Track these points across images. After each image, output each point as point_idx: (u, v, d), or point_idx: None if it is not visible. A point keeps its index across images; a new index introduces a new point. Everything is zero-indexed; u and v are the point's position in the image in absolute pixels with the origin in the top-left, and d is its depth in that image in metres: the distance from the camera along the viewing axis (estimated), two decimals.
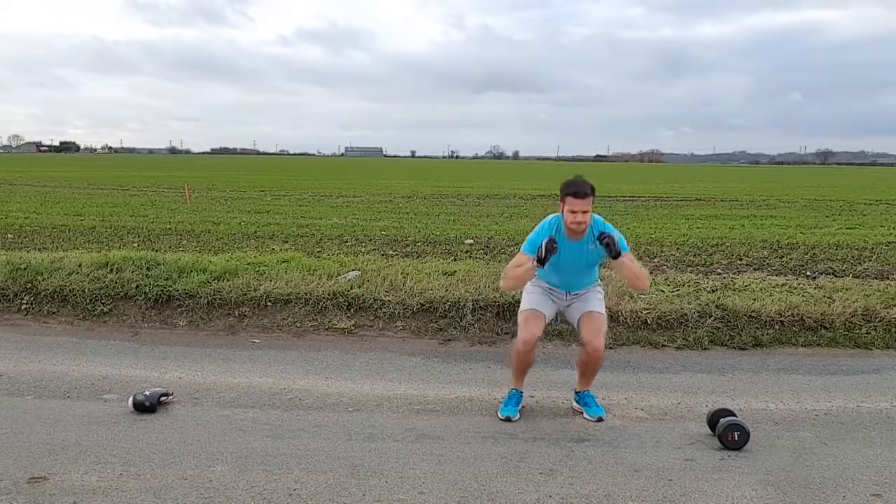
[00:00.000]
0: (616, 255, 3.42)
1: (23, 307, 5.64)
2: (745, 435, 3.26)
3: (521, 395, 3.73)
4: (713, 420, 3.40)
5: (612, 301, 5.36)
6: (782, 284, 6.08)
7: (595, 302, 3.69)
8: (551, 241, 3.40)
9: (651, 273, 6.46)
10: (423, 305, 5.37)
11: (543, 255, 3.37)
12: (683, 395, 3.97)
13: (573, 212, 3.41)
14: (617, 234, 3.49)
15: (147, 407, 3.60)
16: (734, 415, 3.39)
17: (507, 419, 3.58)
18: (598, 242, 3.46)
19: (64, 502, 2.68)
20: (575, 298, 3.72)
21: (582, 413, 3.67)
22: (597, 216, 3.53)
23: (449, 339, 5.11)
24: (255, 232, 10.41)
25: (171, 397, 3.78)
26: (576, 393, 3.77)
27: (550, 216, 3.65)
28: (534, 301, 3.70)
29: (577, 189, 3.40)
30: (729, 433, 3.26)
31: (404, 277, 5.82)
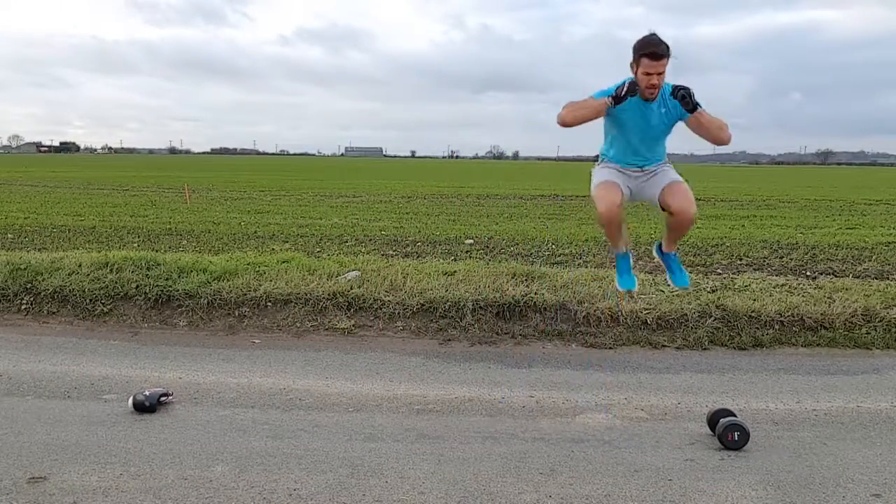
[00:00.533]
0: (693, 108, 3.21)
1: (23, 307, 5.64)
2: (745, 435, 3.26)
3: (630, 258, 3.59)
4: (713, 420, 3.40)
5: (612, 301, 5.36)
6: (782, 284, 6.08)
7: (672, 174, 3.49)
8: (634, 83, 3.17)
9: (651, 273, 6.45)
10: (423, 305, 5.37)
11: (624, 91, 3.14)
12: (683, 395, 3.97)
13: (648, 73, 3.15)
14: (685, 99, 3.26)
15: (147, 407, 3.60)
16: (734, 415, 3.39)
17: (629, 293, 3.41)
18: (671, 100, 3.24)
19: (64, 502, 2.68)
20: (647, 176, 3.51)
21: (665, 276, 3.50)
22: (667, 83, 3.26)
23: (449, 339, 5.11)
24: (255, 232, 10.41)
25: (171, 397, 3.78)
26: (659, 249, 3.63)
27: (622, 81, 3.34)
28: (607, 174, 3.49)
29: (653, 49, 3.12)
30: (729, 433, 3.26)
31: (404, 277, 5.83)
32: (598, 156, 3.71)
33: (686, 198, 3.43)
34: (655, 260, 3.60)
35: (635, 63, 3.22)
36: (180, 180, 26.45)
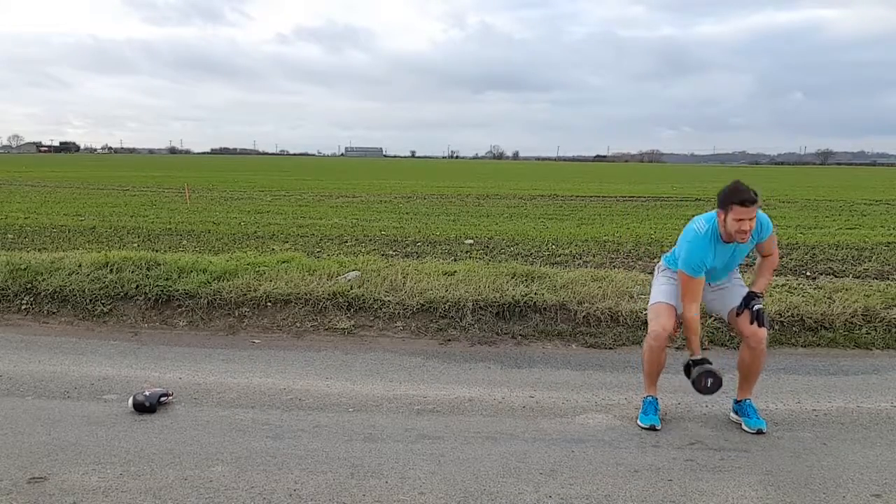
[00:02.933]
0: (760, 321, 3.43)
1: (23, 307, 5.64)
2: (717, 382, 3.37)
3: (658, 402, 3.60)
4: (687, 368, 3.50)
5: (612, 301, 5.37)
6: (782, 284, 6.08)
7: (741, 289, 3.55)
8: (708, 380, 3.38)
9: (650, 274, 6.46)
10: (423, 305, 5.37)
11: (696, 387, 3.43)
12: (683, 395, 3.96)
13: (739, 220, 3.24)
14: (767, 225, 3.43)
15: (147, 407, 3.59)
16: (710, 363, 3.46)
17: (652, 427, 3.45)
18: (756, 232, 3.37)
19: (64, 502, 2.68)
20: (714, 289, 3.59)
21: (740, 424, 3.50)
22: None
23: (449, 339, 5.11)
24: (255, 232, 10.41)
25: (171, 397, 3.78)
26: (735, 402, 3.61)
27: (701, 221, 3.44)
28: (665, 293, 3.58)
29: (744, 197, 3.21)
30: (703, 379, 3.38)
31: (404, 278, 5.82)
32: (662, 258, 3.81)
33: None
34: (733, 418, 3.62)
35: (724, 210, 3.30)
36: (180, 180, 26.45)
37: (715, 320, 5.13)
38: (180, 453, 3.13)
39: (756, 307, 3.44)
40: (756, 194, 3.25)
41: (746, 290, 3.54)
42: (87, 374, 4.26)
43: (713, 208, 3.46)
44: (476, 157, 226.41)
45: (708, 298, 3.66)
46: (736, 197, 3.23)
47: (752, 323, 3.43)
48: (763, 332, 3.45)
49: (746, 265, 4.54)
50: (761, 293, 3.52)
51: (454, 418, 3.62)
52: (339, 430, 3.43)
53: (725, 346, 4.97)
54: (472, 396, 3.95)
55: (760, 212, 3.41)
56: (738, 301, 3.50)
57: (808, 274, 7.14)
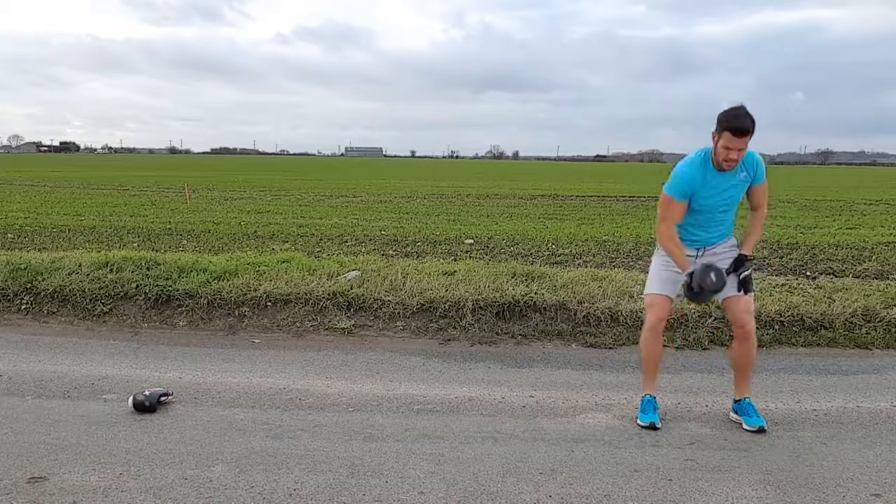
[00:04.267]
0: (746, 288, 3.39)
1: (23, 307, 5.64)
2: (720, 276, 3.27)
3: (656, 400, 3.58)
4: (687, 287, 3.38)
5: (612, 301, 5.37)
6: (782, 284, 6.08)
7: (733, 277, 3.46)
8: (714, 282, 3.26)
9: None
10: (423, 305, 5.37)
11: (696, 288, 3.28)
12: (683, 395, 3.97)
13: (728, 148, 3.15)
14: (762, 166, 3.38)
15: (147, 407, 3.59)
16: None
17: (651, 426, 3.43)
18: (752, 168, 3.32)
19: (64, 502, 2.68)
20: (710, 258, 3.48)
21: (741, 424, 3.49)
22: (750, 151, 3.28)
23: (449, 339, 5.11)
24: (255, 232, 10.41)
25: (171, 397, 3.78)
26: (734, 402, 3.60)
27: (693, 152, 3.38)
28: (660, 282, 3.53)
29: (738, 125, 3.10)
30: (705, 275, 3.26)
31: (404, 277, 5.82)
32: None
33: (749, 313, 3.46)
34: (733, 417, 3.60)
35: (717, 133, 3.22)
36: (180, 180, 26.45)
37: (715, 320, 5.13)
38: (180, 453, 3.13)
39: (743, 274, 3.40)
40: (753, 124, 3.15)
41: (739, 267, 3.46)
42: (87, 373, 4.26)
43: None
44: (476, 157, 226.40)
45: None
46: (730, 122, 3.14)
47: (739, 289, 3.40)
48: (750, 326, 3.43)
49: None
50: (751, 256, 3.48)
51: (454, 418, 3.62)
52: (339, 430, 3.43)
53: (726, 346, 4.96)
54: (472, 396, 3.95)
55: (756, 154, 3.35)
56: (730, 291, 3.44)
57: (808, 274, 7.14)
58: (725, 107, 3.21)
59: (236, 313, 5.46)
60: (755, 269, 7.06)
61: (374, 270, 6.08)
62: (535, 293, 5.45)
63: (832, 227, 11.96)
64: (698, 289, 3.32)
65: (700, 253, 3.53)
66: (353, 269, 6.12)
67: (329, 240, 9.60)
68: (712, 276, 3.29)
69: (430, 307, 5.36)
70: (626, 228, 11.48)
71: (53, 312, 5.58)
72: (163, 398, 3.71)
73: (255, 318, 5.43)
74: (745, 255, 3.46)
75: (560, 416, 3.68)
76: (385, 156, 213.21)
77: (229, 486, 2.82)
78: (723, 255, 3.52)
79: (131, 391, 3.78)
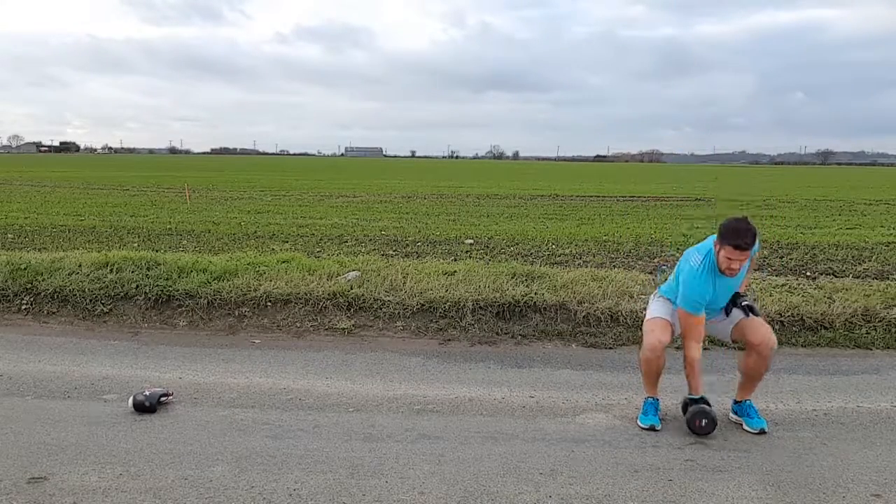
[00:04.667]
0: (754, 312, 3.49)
1: (23, 307, 5.64)
2: (711, 423, 3.38)
3: (658, 402, 3.61)
4: (685, 406, 3.52)
5: (612, 301, 5.36)
6: (782, 284, 6.08)
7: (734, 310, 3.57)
8: (704, 423, 3.39)
9: (651, 273, 6.48)
10: (423, 305, 5.37)
11: (687, 425, 3.44)
12: (684, 396, 3.96)
13: (730, 259, 3.28)
14: (755, 251, 3.48)
15: (147, 407, 3.59)
16: (708, 404, 3.46)
17: (651, 428, 3.46)
18: (736, 302, 3.48)
19: (64, 502, 2.68)
20: (714, 322, 3.60)
21: (741, 424, 3.52)
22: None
23: (449, 339, 5.11)
24: (255, 232, 10.41)
25: (171, 397, 3.78)
26: (734, 403, 3.61)
27: (696, 255, 3.45)
28: (660, 311, 3.62)
29: (740, 241, 3.22)
30: (697, 420, 3.39)
31: (404, 277, 5.82)
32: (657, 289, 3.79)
33: (766, 328, 3.51)
34: (733, 418, 3.62)
35: (720, 244, 3.32)
36: (180, 180, 26.45)
37: None
38: (180, 453, 3.13)
39: (744, 303, 3.49)
40: (754, 239, 3.26)
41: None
42: (87, 374, 4.26)
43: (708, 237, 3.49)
44: (476, 157, 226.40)
45: (708, 326, 3.61)
46: (732, 240, 3.24)
47: (746, 314, 3.48)
48: (773, 340, 3.47)
49: None
50: (744, 293, 3.58)
51: (454, 418, 3.62)
52: (339, 430, 3.43)
53: (726, 345, 4.96)
54: (472, 396, 3.95)
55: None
56: (737, 318, 3.54)
57: (808, 274, 7.14)
58: (727, 223, 3.31)
59: (236, 313, 5.46)
60: (755, 269, 7.08)
61: (374, 270, 6.08)
62: (535, 293, 5.45)
63: (832, 227, 11.96)
64: (687, 424, 3.46)
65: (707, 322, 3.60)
66: (353, 270, 6.12)
67: (329, 240, 9.60)
68: (703, 422, 3.40)
69: (430, 307, 5.36)
70: (626, 228, 11.48)
71: (53, 312, 5.58)
72: (163, 398, 3.71)
73: (255, 318, 5.43)
74: (738, 293, 3.56)
75: (560, 416, 3.68)
76: (385, 156, 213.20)
77: (229, 486, 2.82)
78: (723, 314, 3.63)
79: (131, 391, 3.78)
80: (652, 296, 3.82)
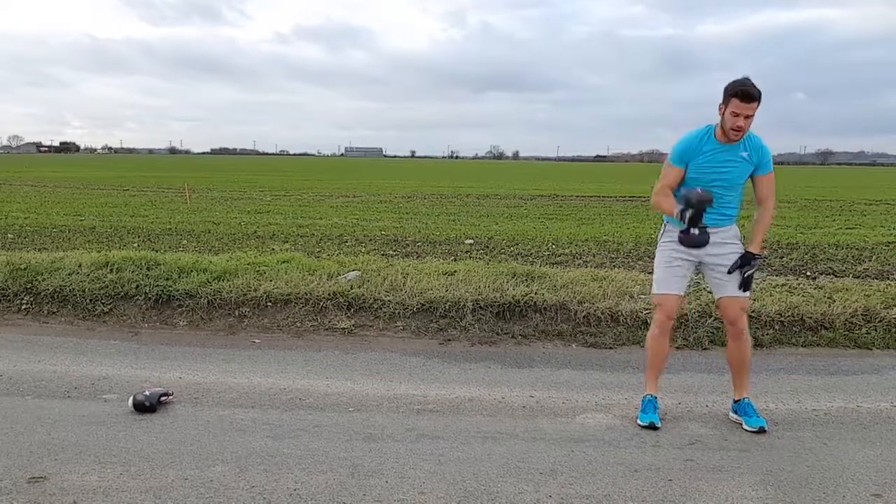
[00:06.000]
0: (746, 287, 3.44)
1: (23, 307, 5.64)
2: (706, 192, 3.26)
3: (657, 400, 3.59)
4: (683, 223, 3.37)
5: (613, 301, 5.36)
6: (782, 284, 6.08)
7: (735, 275, 3.46)
8: (704, 198, 3.22)
9: (650, 274, 6.46)
10: (423, 305, 5.37)
11: (691, 214, 3.26)
12: (683, 395, 3.97)
13: (735, 114, 3.18)
14: (767, 154, 3.41)
15: (147, 407, 3.59)
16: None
17: (651, 426, 3.43)
18: (755, 150, 3.35)
19: (64, 502, 2.68)
20: (716, 251, 3.45)
21: (741, 424, 3.49)
22: (753, 133, 3.33)
23: (449, 339, 5.11)
24: (255, 232, 10.41)
25: (171, 397, 3.78)
26: (734, 402, 3.60)
27: (702, 127, 3.41)
28: (668, 279, 3.54)
29: (746, 90, 3.14)
30: (692, 190, 3.29)
31: (404, 277, 5.82)
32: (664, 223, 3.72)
33: (739, 307, 3.48)
34: (733, 417, 3.60)
35: (724, 104, 3.26)
36: (180, 180, 26.45)
37: (715, 319, 5.13)
38: (180, 453, 3.13)
39: (748, 273, 3.41)
40: (759, 94, 3.19)
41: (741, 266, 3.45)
42: (87, 374, 4.26)
43: None
44: (476, 157, 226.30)
45: (709, 267, 3.52)
46: (737, 88, 3.17)
47: (740, 287, 3.43)
48: (742, 323, 3.45)
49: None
50: (759, 253, 3.47)
51: (454, 418, 3.62)
52: (339, 430, 3.43)
53: (725, 345, 4.96)
54: (472, 396, 3.95)
55: (763, 141, 3.38)
56: (728, 291, 3.46)
57: (808, 274, 7.14)
58: (730, 82, 3.26)
59: (236, 313, 5.46)
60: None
61: (374, 270, 6.08)
62: (536, 293, 5.45)
63: (832, 227, 11.97)
64: (687, 205, 3.28)
65: (708, 238, 3.45)
66: (353, 269, 6.12)
67: (329, 240, 9.60)
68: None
69: (430, 307, 5.36)
70: (626, 228, 11.48)
71: (53, 312, 5.58)
72: (163, 398, 3.71)
73: (255, 318, 5.43)
74: (752, 253, 3.43)
75: (560, 416, 3.68)
76: (385, 156, 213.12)
77: (229, 487, 2.82)
78: (726, 244, 3.49)
79: (131, 391, 3.78)
80: (659, 234, 3.72)
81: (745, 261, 3.42)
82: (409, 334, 5.20)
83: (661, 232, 3.72)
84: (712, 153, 3.37)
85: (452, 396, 3.94)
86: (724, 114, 3.27)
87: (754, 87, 3.19)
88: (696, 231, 3.32)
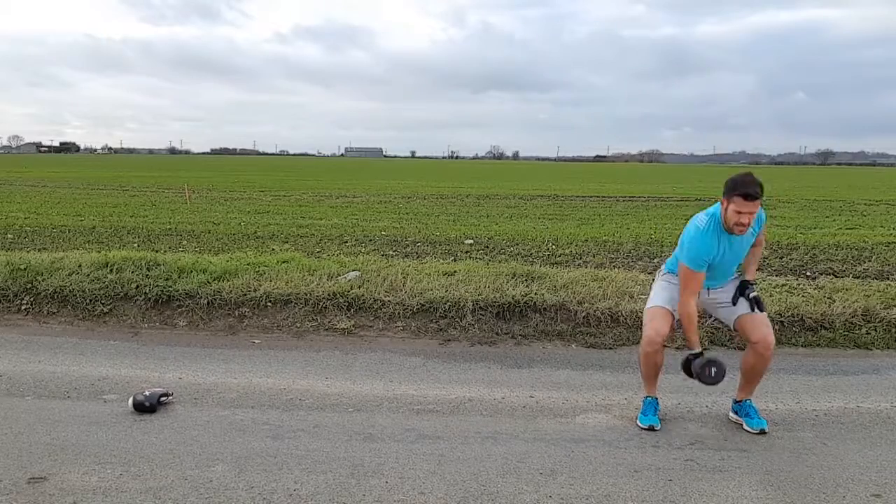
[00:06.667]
0: (759, 307, 3.46)
1: (23, 307, 5.64)
2: (721, 370, 3.31)
3: (657, 402, 3.60)
4: (687, 363, 3.44)
5: (612, 301, 5.37)
6: (782, 284, 6.08)
7: (742, 299, 3.54)
8: (713, 371, 3.32)
9: (650, 274, 6.47)
10: (423, 306, 5.37)
11: (695, 376, 3.37)
12: (683, 395, 3.97)
13: (739, 212, 3.22)
14: (763, 214, 3.45)
15: (147, 407, 3.59)
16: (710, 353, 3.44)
17: (651, 428, 3.45)
18: (756, 226, 3.39)
19: (64, 502, 2.68)
20: (718, 292, 3.56)
21: (741, 424, 3.51)
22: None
23: (449, 339, 5.11)
24: (255, 232, 10.41)
25: (171, 397, 3.78)
26: (735, 402, 3.61)
27: (702, 216, 3.43)
28: (663, 298, 3.58)
29: (747, 191, 3.19)
30: (707, 369, 3.32)
31: (404, 278, 5.82)
32: (664, 266, 3.76)
33: (767, 326, 3.48)
34: (733, 418, 3.62)
35: (727, 200, 3.28)
36: (180, 180, 26.45)
37: (715, 320, 5.13)
38: (180, 453, 3.13)
39: (752, 295, 3.48)
40: (761, 190, 3.23)
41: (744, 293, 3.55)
42: (87, 374, 4.26)
43: (715, 203, 3.47)
44: (476, 157, 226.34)
45: (713, 306, 3.65)
46: (741, 189, 3.20)
47: (752, 309, 3.46)
48: (771, 338, 3.44)
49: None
50: (753, 281, 3.56)
51: (454, 418, 3.62)
52: (339, 430, 3.43)
53: (725, 346, 4.97)
54: (472, 396, 3.95)
55: (763, 216, 3.45)
56: (742, 310, 3.50)
57: (808, 274, 7.14)
58: (732, 177, 3.29)
59: (236, 313, 5.46)
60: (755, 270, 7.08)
61: (374, 271, 6.08)
62: (535, 293, 5.45)
63: (832, 228, 11.96)
64: (696, 378, 3.41)
65: (707, 292, 3.59)
66: (353, 270, 6.12)
67: (329, 240, 9.60)
68: (713, 371, 3.35)
69: (430, 307, 5.36)
70: (626, 228, 11.48)
71: (53, 313, 5.58)
72: (163, 398, 3.71)
73: (255, 318, 5.43)
74: (748, 281, 3.54)
75: (560, 416, 3.68)
76: (385, 156, 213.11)
77: (229, 487, 2.82)
78: (728, 287, 3.60)
79: (131, 391, 3.78)
80: (657, 273, 3.79)
81: (744, 287, 3.52)
82: (408, 334, 5.20)
83: (661, 272, 3.76)
84: (727, 245, 3.41)
85: (452, 396, 3.94)
86: (727, 209, 3.30)
87: (756, 185, 3.22)
88: (712, 376, 3.37)
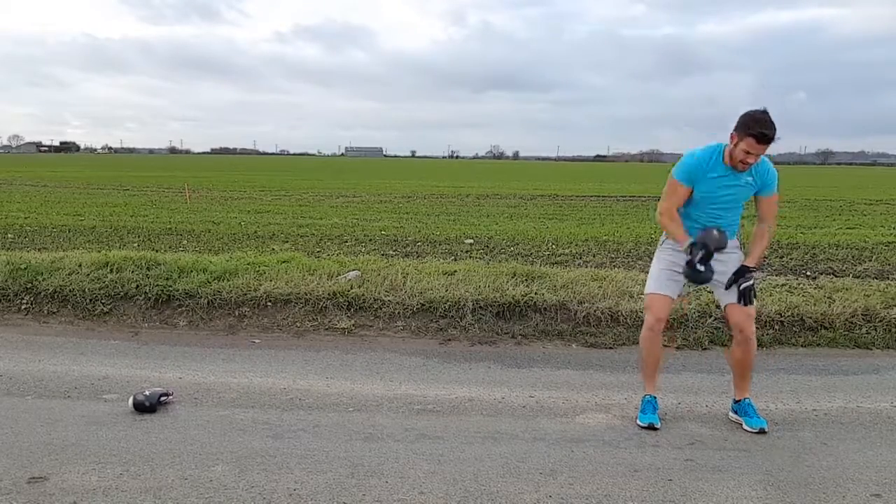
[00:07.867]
0: (746, 300, 3.40)
1: (23, 307, 5.64)
2: (708, 249, 3.27)
3: (657, 400, 3.59)
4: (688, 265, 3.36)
5: (613, 301, 5.37)
6: (782, 284, 6.08)
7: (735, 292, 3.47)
8: (720, 245, 3.24)
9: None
10: (423, 305, 5.37)
11: (703, 255, 3.25)
12: (683, 395, 3.97)
13: (748, 153, 3.13)
14: (774, 177, 3.41)
15: (147, 407, 3.59)
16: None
17: (650, 426, 3.43)
18: (759, 174, 3.32)
19: (64, 502, 2.68)
20: (720, 262, 3.43)
21: (741, 424, 3.49)
22: (764, 157, 3.27)
23: (449, 339, 5.11)
24: (255, 232, 10.41)
25: (171, 397, 3.78)
26: (734, 402, 3.60)
27: (710, 145, 3.37)
28: (660, 281, 3.54)
29: (764, 132, 3.07)
30: (693, 251, 3.29)
31: (404, 277, 5.82)
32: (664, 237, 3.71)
33: (746, 315, 3.45)
34: (732, 417, 3.61)
35: (739, 136, 3.19)
36: (180, 180, 26.46)
37: (715, 319, 5.13)
38: (180, 453, 3.13)
39: (744, 285, 3.38)
40: (776, 132, 3.13)
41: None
42: (87, 373, 4.26)
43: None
44: (476, 157, 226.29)
45: (715, 292, 3.62)
46: (756, 129, 3.10)
47: (739, 301, 3.40)
48: (748, 328, 3.43)
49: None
50: (755, 267, 3.47)
51: (454, 418, 3.62)
52: (339, 430, 3.43)
53: (726, 346, 4.96)
54: (472, 396, 3.95)
55: (771, 164, 3.37)
56: (732, 298, 3.46)
57: (808, 274, 7.14)
58: (748, 113, 3.19)
59: (236, 313, 5.46)
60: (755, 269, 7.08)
61: (374, 270, 6.08)
62: (536, 293, 5.45)
63: (832, 227, 11.97)
64: (702, 247, 3.29)
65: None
66: (353, 269, 6.12)
67: (329, 240, 9.60)
68: (715, 233, 3.28)
69: (430, 307, 5.36)
70: (626, 228, 11.48)
71: (53, 312, 5.58)
72: (163, 398, 3.71)
73: (255, 318, 5.43)
74: (748, 267, 3.44)
75: (560, 416, 3.68)
76: (385, 156, 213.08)
77: (229, 486, 2.82)
78: (726, 253, 3.47)
79: (131, 391, 3.78)
80: (658, 245, 3.73)
81: (740, 273, 3.42)
82: (409, 334, 5.20)
83: (662, 241, 3.72)
84: (718, 178, 3.36)
85: (452, 396, 3.94)
86: (736, 144, 3.22)
87: (773, 127, 3.12)
88: (702, 268, 3.32)
